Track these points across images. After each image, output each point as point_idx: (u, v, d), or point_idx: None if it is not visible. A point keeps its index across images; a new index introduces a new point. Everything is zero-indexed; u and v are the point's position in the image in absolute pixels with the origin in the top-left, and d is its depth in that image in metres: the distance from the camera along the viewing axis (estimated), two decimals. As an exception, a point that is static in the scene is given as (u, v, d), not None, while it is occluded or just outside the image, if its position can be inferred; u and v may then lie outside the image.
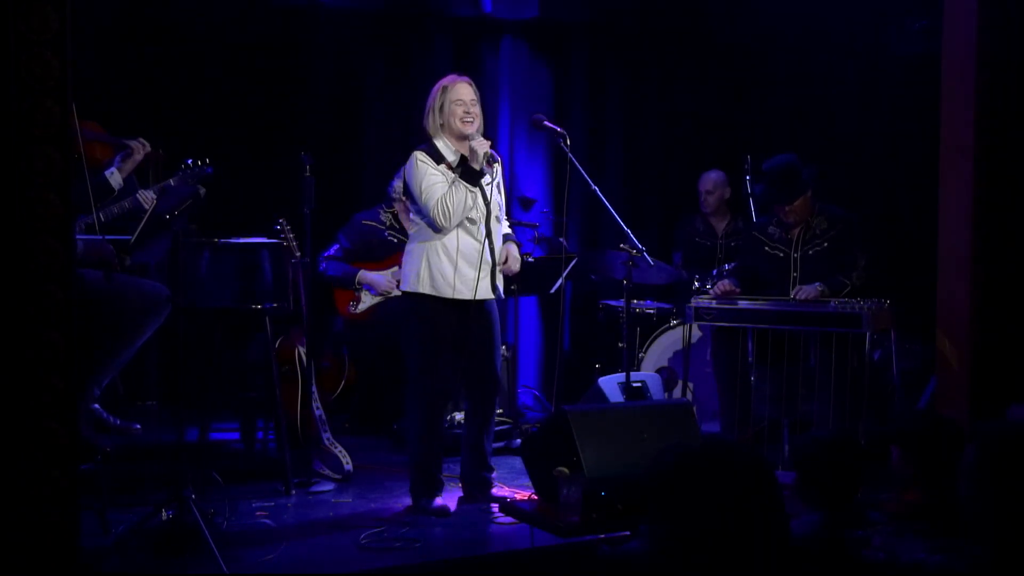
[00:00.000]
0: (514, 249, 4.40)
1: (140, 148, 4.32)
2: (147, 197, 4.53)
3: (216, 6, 6.15)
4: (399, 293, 5.73)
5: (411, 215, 4.34)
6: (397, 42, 6.70)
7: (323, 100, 6.58)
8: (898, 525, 2.88)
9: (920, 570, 2.48)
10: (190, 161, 4.56)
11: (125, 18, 5.97)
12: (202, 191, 4.13)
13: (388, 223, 5.86)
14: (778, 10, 6.56)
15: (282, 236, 4.96)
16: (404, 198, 5.74)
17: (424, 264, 4.21)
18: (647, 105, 7.31)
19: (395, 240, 5.85)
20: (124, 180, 4.55)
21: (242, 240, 4.88)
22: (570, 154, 4.42)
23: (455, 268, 4.20)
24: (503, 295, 4.40)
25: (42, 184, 2.78)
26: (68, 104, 2.81)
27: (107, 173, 4.34)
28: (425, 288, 4.21)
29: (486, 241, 4.26)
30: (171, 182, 4.65)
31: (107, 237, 4.07)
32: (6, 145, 2.75)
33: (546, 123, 4.54)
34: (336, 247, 5.81)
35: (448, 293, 4.21)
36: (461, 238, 4.22)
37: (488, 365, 4.42)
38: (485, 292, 4.29)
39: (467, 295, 4.24)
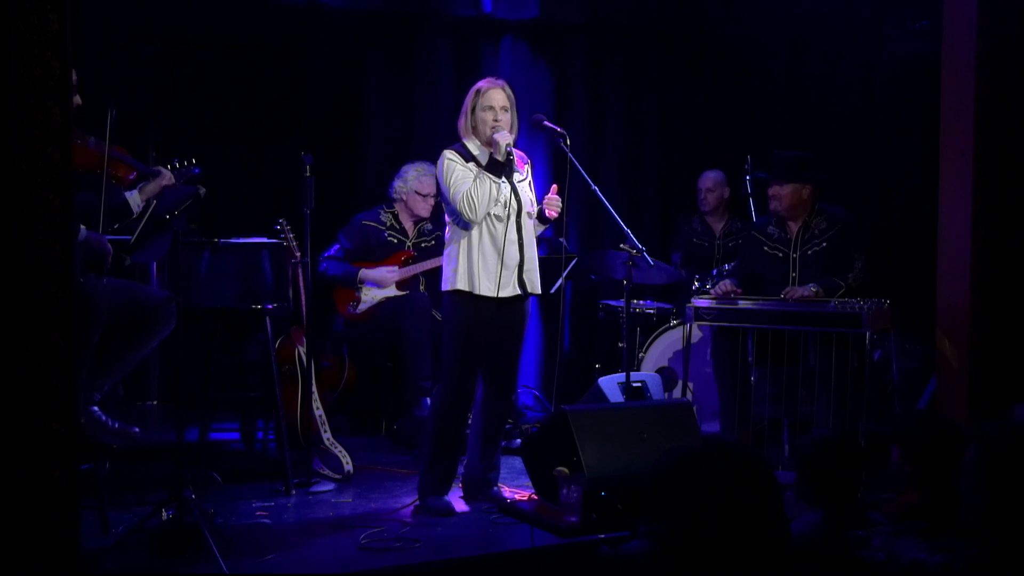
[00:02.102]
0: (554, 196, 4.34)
1: (167, 175, 4.29)
2: (135, 201, 4.51)
3: (216, 6, 6.15)
4: (400, 293, 5.77)
5: (445, 217, 4.37)
6: (397, 42, 6.71)
7: (323, 100, 6.58)
8: (898, 525, 2.88)
9: (920, 570, 2.49)
10: (176, 162, 4.57)
11: (125, 18, 5.97)
12: (202, 191, 4.11)
13: (388, 224, 5.87)
14: (777, 10, 6.56)
15: (282, 236, 4.97)
16: (412, 195, 5.78)
17: (459, 262, 4.24)
18: (647, 105, 7.31)
19: (395, 241, 5.85)
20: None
21: (242, 240, 4.88)
22: (570, 154, 4.42)
23: (487, 265, 4.23)
24: (537, 291, 4.40)
25: (42, 184, 2.77)
26: (68, 105, 2.80)
27: (128, 195, 4.30)
28: (462, 285, 4.24)
29: (517, 238, 4.29)
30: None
31: (107, 237, 4.05)
32: (6, 145, 2.75)
33: (546, 123, 4.53)
34: (336, 247, 5.81)
35: (481, 290, 4.23)
36: (493, 235, 4.25)
37: (509, 361, 4.43)
38: (517, 289, 4.31)
39: (499, 292, 4.26)
